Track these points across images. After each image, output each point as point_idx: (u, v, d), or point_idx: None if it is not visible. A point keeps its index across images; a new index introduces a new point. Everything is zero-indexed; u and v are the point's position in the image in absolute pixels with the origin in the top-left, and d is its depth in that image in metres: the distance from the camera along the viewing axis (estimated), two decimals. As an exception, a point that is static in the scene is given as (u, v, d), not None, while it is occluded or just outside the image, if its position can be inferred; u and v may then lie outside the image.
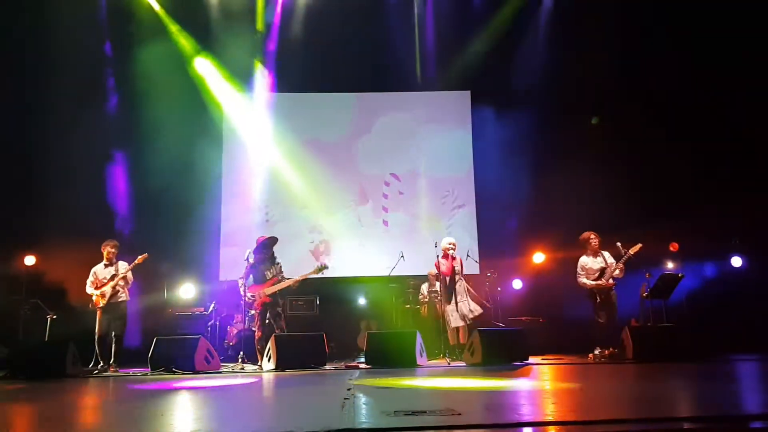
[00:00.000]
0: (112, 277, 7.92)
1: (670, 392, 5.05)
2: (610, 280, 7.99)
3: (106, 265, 8.03)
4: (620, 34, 9.78)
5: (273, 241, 8.28)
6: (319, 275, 8.16)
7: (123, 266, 8.03)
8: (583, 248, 8.25)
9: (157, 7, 10.28)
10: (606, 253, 8.16)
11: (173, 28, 10.27)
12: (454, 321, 8.16)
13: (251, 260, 8.08)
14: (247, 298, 8.08)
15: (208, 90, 10.45)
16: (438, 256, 8.28)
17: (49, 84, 9.46)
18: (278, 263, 8.22)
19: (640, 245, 7.87)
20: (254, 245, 8.23)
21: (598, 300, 7.99)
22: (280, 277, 8.10)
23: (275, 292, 8.02)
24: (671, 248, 8.06)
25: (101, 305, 7.82)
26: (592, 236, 8.21)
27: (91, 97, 9.90)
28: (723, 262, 9.70)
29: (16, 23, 9.55)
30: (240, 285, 8.11)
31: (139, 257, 7.96)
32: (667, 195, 9.56)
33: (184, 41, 10.33)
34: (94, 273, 8.01)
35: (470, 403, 4.60)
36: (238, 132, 10.64)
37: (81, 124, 9.35)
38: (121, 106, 10.17)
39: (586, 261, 8.18)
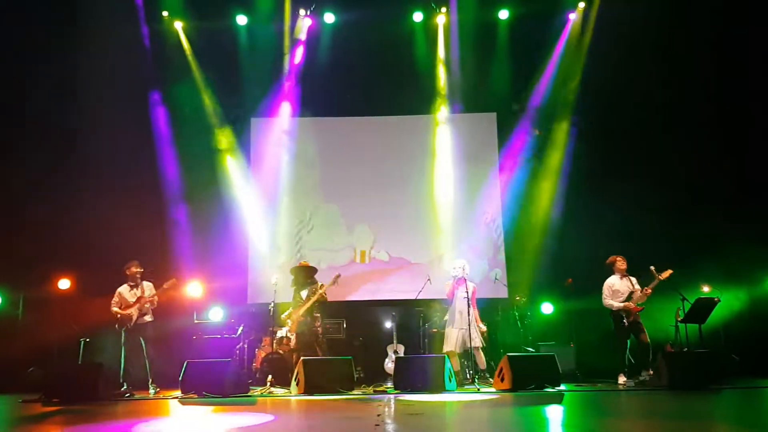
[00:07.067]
0: (138, 300, 7.97)
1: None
2: (637, 304, 7.91)
3: (131, 286, 8.03)
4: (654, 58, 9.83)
5: (311, 270, 8.54)
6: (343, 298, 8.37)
7: (148, 287, 8.06)
8: (610, 271, 8.24)
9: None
10: (633, 279, 8.13)
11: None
12: (446, 345, 8.14)
13: (278, 284, 8.26)
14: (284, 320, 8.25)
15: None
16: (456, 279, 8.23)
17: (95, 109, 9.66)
18: (316, 283, 8.42)
19: (670, 271, 7.83)
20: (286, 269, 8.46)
21: (626, 323, 7.91)
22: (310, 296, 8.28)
23: (305, 310, 8.18)
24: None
25: (127, 326, 7.88)
26: (618, 259, 8.22)
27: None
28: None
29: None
30: (270, 309, 8.16)
31: (167, 283, 7.97)
32: (703, 220, 9.33)
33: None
34: (119, 293, 8.02)
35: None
36: (266, 156, 10.75)
37: (121, 149, 9.58)
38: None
39: (613, 282, 8.17)
